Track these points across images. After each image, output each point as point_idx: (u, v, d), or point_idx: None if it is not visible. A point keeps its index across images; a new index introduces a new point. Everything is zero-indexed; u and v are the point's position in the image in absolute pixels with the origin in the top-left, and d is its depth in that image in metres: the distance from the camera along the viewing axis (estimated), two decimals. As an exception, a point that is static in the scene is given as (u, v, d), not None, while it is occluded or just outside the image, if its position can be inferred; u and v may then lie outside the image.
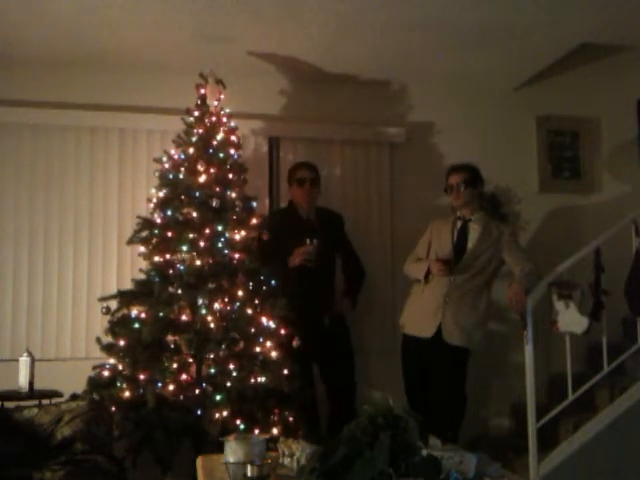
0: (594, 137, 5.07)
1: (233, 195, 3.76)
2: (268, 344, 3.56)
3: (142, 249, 3.73)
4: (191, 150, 3.79)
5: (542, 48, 4.25)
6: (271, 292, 3.67)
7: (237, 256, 3.67)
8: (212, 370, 3.46)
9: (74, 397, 3.41)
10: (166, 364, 3.47)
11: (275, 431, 3.41)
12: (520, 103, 4.98)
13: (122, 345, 3.51)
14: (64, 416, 3.16)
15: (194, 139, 3.80)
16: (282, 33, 4.01)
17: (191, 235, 3.61)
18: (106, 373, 3.53)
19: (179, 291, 3.52)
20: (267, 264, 3.71)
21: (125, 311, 3.62)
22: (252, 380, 3.47)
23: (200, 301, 3.50)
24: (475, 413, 4.40)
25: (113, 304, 3.63)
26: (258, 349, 3.54)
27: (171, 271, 3.60)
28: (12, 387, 3.70)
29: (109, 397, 3.42)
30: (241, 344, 3.54)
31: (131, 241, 3.76)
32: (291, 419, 3.57)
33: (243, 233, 3.72)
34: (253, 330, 3.55)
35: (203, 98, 3.87)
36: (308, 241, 3.85)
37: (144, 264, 3.74)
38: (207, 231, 3.63)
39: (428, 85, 4.82)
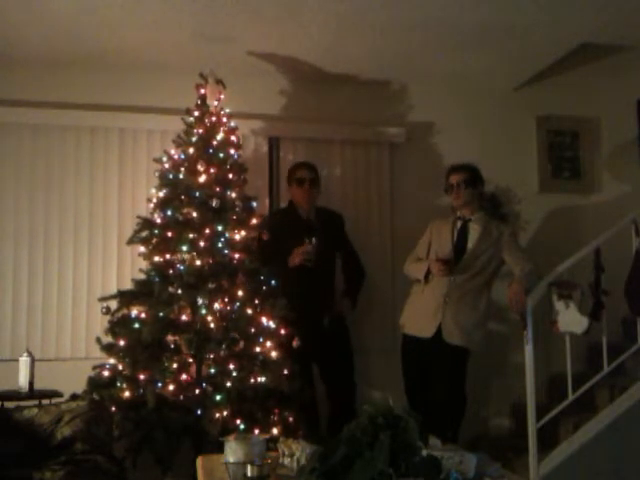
0: (594, 137, 5.07)
1: (233, 195, 3.76)
2: (268, 344, 3.56)
3: (142, 249, 3.73)
4: (191, 150, 3.79)
5: (542, 48, 4.25)
6: (271, 292, 3.67)
7: (237, 256, 3.67)
8: (212, 370, 3.46)
9: (74, 397, 3.41)
10: (166, 364, 3.47)
11: (275, 431, 3.41)
12: (520, 103, 4.98)
13: (122, 345, 3.51)
14: (64, 416, 3.16)
15: (194, 139, 3.80)
16: (282, 33, 4.01)
17: (191, 235, 3.61)
18: (106, 373, 3.53)
19: (179, 291, 3.52)
20: (267, 264, 3.71)
21: (125, 311, 3.62)
22: (252, 380, 3.47)
23: (200, 301, 3.50)
24: (475, 413, 4.40)
25: (113, 304, 3.63)
26: (258, 349, 3.55)
27: (171, 271, 3.60)
28: (12, 387, 3.69)
29: (109, 397, 3.42)
30: (241, 344, 3.54)
31: (131, 241, 3.76)
32: (291, 419, 3.57)
33: (243, 233, 3.72)
34: (253, 330, 3.55)
35: (203, 98, 3.87)
36: (307, 241, 3.85)
37: (144, 264, 3.74)
38: (207, 231, 3.63)
39: (428, 85, 4.82)
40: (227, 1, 3.58)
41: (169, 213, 3.68)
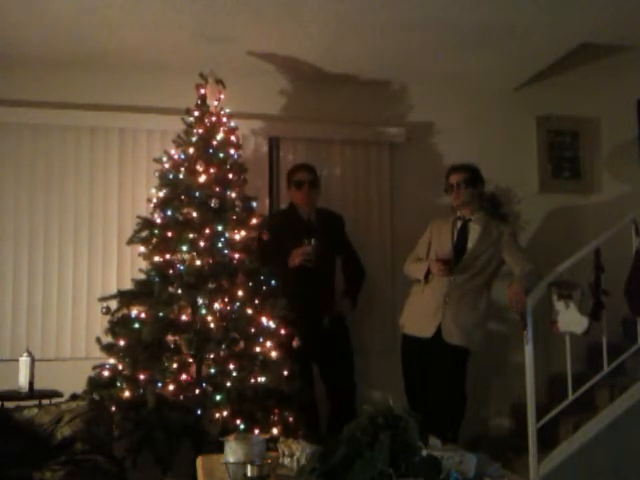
0: (594, 137, 5.08)
1: (233, 195, 3.76)
2: (268, 344, 3.56)
3: (142, 249, 3.73)
4: (191, 150, 3.79)
5: (542, 48, 4.25)
6: (271, 292, 3.67)
7: (237, 256, 3.67)
8: (212, 370, 3.46)
9: (74, 397, 3.41)
10: (166, 364, 3.47)
11: (275, 431, 3.41)
12: (520, 103, 4.98)
13: (122, 345, 3.51)
14: (64, 416, 3.16)
15: (194, 139, 3.80)
16: (282, 33, 4.01)
17: (191, 235, 3.61)
18: (106, 373, 3.53)
19: (179, 291, 3.52)
20: (267, 264, 3.71)
21: (125, 311, 3.62)
22: (252, 380, 3.47)
23: (200, 301, 3.50)
24: (475, 413, 4.40)
25: (113, 304, 3.63)
26: (258, 349, 3.54)
27: (171, 271, 3.60)
28: (12, 387, 3.70)
29: (109, 397, 3.42)
30: (241, 344, 3.54)
31: (131, 241, 3.76)
32: (291, 419, 3.57)
33: (243, 233, 3.72)
34: (253, 330, 3.55)
35: (203, 98, 3.87)
36: (306, 242, 3.85)
37: (144, 264, 3.75)
38: (207, 231, 3.63)
39: (428, 85, 4.82)
40: (227, 1, 3.58)
41: (169, 213, 3.68)
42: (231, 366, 3.45)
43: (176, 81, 4.28)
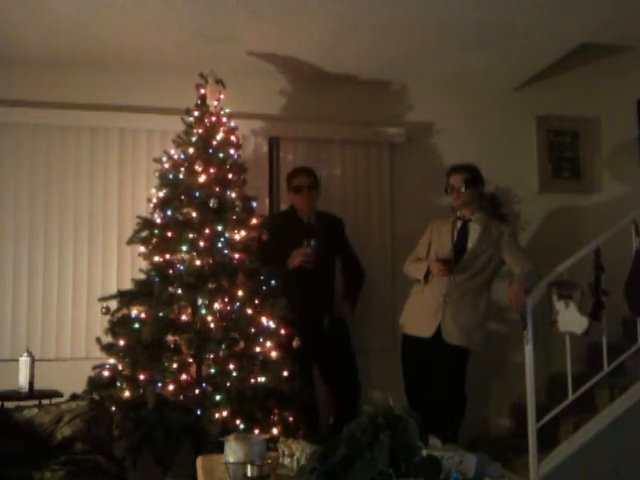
0: (594, 137, 5.07)
1: (233, 195, 3.76)
2: (268, 344, 3.56)
3: (142, 249, 3.73)
4: (191, 150, 3.79)
5: (542, 48, 4.25)
6: (271, 292, 3.67)
7: (237, 256, 3.67)
8: (212, 370, 3.47)
9: (74, 397, 3.41)
10: (166, 364, 3.47)
11: (275, 431, 3.41)
12: (520, 103, 4.98)
13: (122, 345, 3.51)
14: (64, 416, 3.16)
15: (194, 139, 3.80)
16: (282, 33, 4.01)
17: (191, 235, 3.61)
18: (106, 373, 3.53)
19: (179, 291, 3.52)
20: (267, 265, 3.71)
21: (125, 311, 3.62)
22: (252, 380, 3.47)
23: (200, 301, 3.50)
24: (475, 413, 4.40)
25: (113, 304, 3.64)
26: (258, 349, 3.55)
27: (171, 271, 3.60)
28: (12, 387, 3.70)
29: (109, 397, 3.42)
30: (241, 344, 3.55)
31: (131, 241, 3.76)
32: (291, 419, 3.57)
33: (243, 233, 3.72)
34: (253, 330, 3.55)
35: (203, 98, 3.87)
36: (306, 243, 3.85)
37: (144, 264, 3.75)
38: (207, 231, 3.63)
39: (428, 85, 4.82)
40: (227, 1, 3.58)
41: (169, 213, 3.69)
42: (231, 366, 3.45)
43: (176, 81, 4.28)
